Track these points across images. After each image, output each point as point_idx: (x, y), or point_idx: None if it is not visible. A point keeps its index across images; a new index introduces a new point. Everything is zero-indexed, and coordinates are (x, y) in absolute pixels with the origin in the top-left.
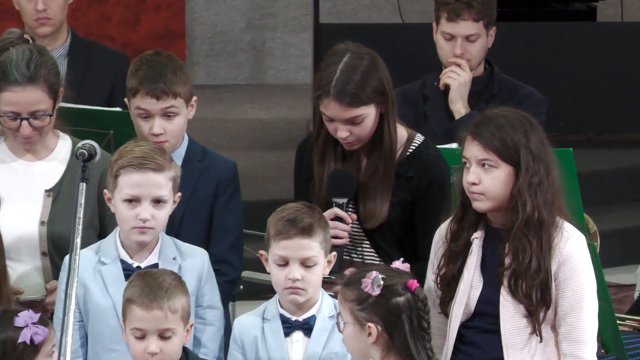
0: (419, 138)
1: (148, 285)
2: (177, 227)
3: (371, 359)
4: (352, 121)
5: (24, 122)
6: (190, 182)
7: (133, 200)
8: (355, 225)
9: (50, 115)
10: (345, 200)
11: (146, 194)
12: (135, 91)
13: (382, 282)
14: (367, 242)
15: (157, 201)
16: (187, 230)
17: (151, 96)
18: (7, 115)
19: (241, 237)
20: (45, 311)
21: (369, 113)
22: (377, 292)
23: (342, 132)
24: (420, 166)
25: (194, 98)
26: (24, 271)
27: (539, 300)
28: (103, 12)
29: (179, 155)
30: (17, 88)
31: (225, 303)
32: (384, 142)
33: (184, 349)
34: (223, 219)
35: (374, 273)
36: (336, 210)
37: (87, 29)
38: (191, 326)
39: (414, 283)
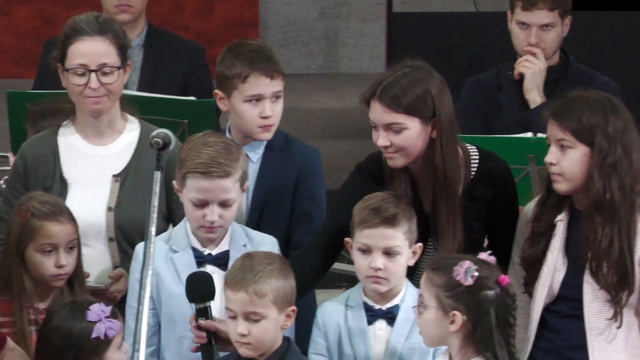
0: (473, 152)
1: (242, 267)
2: (258, 215)
3: (448, 346)
4: (391, 128)
5: (92, 75)
6: (271, 170)
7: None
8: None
9: (119, 68)
10: (208, 304)
11: (214, 198)
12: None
13: (476, 274)
14: None
15: (225, 202)
16: (268, 218)
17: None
18: (76, 69)
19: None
20: (109, 300)
21: (411, 126)
22: (470, 282)
23: (382, 140)
24: (494, 183)
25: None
26: (91, 256)
27: (616, 284)
28: (177, 2)
29: (261, 143)
30: (86, 38)
31: None
32: (437, 171)
33: (287, 339)
34: (303, 206)
35: (467, 263)
36: (200, 321)
37: (161, 19)
38: (293, 312)
39: (505, 279)
